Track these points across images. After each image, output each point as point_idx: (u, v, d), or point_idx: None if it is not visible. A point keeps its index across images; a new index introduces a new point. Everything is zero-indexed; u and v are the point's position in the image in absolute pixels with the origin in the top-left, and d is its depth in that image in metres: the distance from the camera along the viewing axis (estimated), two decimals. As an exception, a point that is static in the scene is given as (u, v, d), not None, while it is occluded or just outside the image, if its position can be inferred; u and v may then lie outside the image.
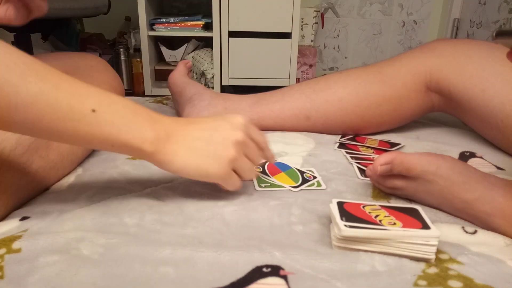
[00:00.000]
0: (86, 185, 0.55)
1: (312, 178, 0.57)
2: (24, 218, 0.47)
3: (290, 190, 0.54)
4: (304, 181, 0.56)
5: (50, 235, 0.42)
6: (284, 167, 0.60)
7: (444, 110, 0.72)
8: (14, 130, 0.41)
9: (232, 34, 1.93)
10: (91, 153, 0.65)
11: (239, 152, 0.47)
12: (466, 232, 0.45)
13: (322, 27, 2.44)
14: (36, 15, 0.56)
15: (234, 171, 0.48)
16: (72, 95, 0.40)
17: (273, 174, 0.57)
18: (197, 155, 0.45)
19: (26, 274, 0.37)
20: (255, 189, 0.54)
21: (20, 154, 0.49)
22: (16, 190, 0.49)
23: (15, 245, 0.41)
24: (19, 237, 0.42)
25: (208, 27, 2.01)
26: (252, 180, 0.56)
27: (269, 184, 0.55)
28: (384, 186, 0.53)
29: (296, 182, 0.56)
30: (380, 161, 0.50)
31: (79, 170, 0.60)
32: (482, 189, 0.46)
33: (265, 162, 0.61)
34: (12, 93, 0.37)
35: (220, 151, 0.45)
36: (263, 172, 0.58)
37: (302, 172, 0.59)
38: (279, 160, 0.64)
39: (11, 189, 0.48)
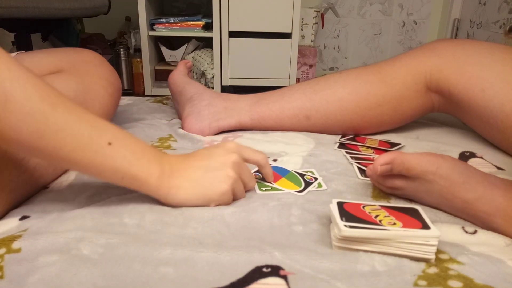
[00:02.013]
0: (86, 184, 0.55)
1: (313, 180, 0.57)
2: (24, 218, 0.47)
3: (296, 194, 0.53)
4: (307, 184, 0.56)
5: (50, 235, 0.42)
6: (283, 172, 0.59)
7: (444, 110, 0.72)
8: (35, 155, 0.44)
9: (232, 34, 1.93)
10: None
11: (237, 173, 0.49)
12: (466, 232, 0.45)
13: (322, 27, 2.44)
14: None
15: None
16: (92, 127, 0.43)
17: (275, 181, 0.56)
18: (198, 185, 0.48)
19: (26, 274, 0.37)
20: (256, 193, 0.54)
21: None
22: (14, 187, 0.49)
23: (15, 244, 0.41)
24: (19, 236, 0.42)
25: (208, 27, 2.01)
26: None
27: (270, 188, 0.55)
28: (384, 186, 0.53)
29: (300, 186, 0.55)
30: (380, 161, 0.50)
31: (79, 170, 0.59)
32: (482, 189, 0.46)
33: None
34: (42, 120, 0.40)
35: (219, 176, 0.48)
36: (263, 179, 0.57)
37: (302, 175, 0.58)
38: (279, 160, 0.64)
39: (9, 187, 0.48)
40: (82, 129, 0.42)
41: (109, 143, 0.44)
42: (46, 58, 0.66)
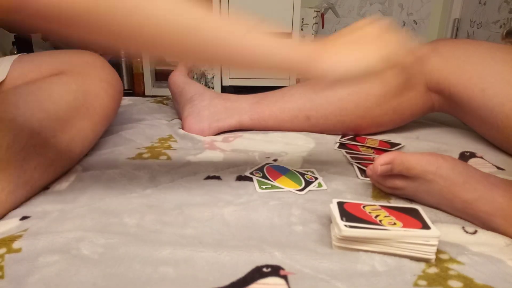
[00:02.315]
0: (87, 184, 0.55)
1: (313, 179, 0.57)
2: (24, 218, 0.47)
3: (296, 193, 0.54)
4: (307, 183, 0.56)
5: (50, 235, 0.42)
6: (283, 170, 0.59)
7: (444, 110, 0.72)
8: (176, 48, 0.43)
9: (232, 34, 1.93)
10: (91, 153, 0.65)
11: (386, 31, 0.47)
12: (466, 232, 0.45)
13: (323, 27, 2.44)
14: None
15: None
16: (232, 22, 0.45)
17: (275, 179, 0.57)
18: (358, 47, 0.46)
19: (26, 274, 0.37)
20: (256, 191, 0.54)
21: (17, 151, 0.49)
22: (14, 188, 0.49)
23: (15, 244, 0.41)
24: (19, 236, 0.42)
25: (208, 27, 2.01)
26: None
27: (270, 186, 0.55)
28: (384, 186, 0.53)
29: (300, 185, 0.55)
30: (381, 161, 0.50)
31: (79, 169, 0.59)
32: (482, 189, 0.46)
33: (264, 165, 0.61)
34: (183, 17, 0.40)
35: (371, 36, 0.46)
36: (264, 177, 0.57)
37: (302, 174, 0.59)
38: (279, 160, 0.64)
39: (9, 187, 0.48)
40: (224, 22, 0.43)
41: (247, 32, 0.44)
42: (46, 60, 0.66)
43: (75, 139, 0.58)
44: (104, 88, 0.65)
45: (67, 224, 0.45)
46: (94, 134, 0.63)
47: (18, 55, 0.67)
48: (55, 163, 0.55)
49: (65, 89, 0.59)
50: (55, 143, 0.55)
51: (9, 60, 0.65)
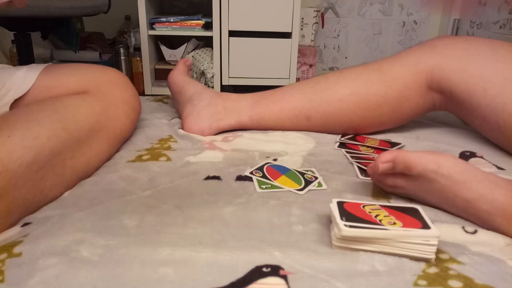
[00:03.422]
0: (87, 188, 0.55)
1: (313, 179, 0.57)
2: (25, 224, 0.47)
3: (296, 193, 0.54)
4: (307, 182, 0.56)
5: (50, 238, 0.42)
6: (283, 170, 0.59)
7: (445, 109, 0.71)
8: None
9: (232, 33, 1.92)
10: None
11: None
12: (467, 232, 0.45)
13: (322, 27, 2.44)
14: (16, 6, 0.55)
15: None
16: None
17: (275, 178, 0.57)
18: None
19: (26, 277, 0.37)
20: (256, 191, 0.54)
21: (36, 170, 0.48)
22: (28, 206, 0.48)
23: (16, 250, 0.41)
24: (20, 242, 0.42)
25: (208, 26, 2.01)
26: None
27: (270, 186, 0.55)
28: (385, 185, 0.52)
29: (300, 185, 0.55)
30: (382, 159, 0.49)
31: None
32: (483, 188, 0.46)
33: (264, 165, 0.61)
34: None
35: None
36: (264, 176, 0.57)
37: (302, 174, 0.58)
38: (279, 159, 0.64)
39: (23, 205, 0.47)
40: None
41: None
42: (73, 76, 0.66)
43: (92, 161, 0.58)
44: (126, 111, 0.66)
45: (67, 227, 0.45)
46: (109, 155, 0.63)
47: (46, 64, 0.66)
48: (70, 184, 0.55)
49: (89, 111, 0.59)
50: (72, 164, 0.54)
51: (36, 69, 0.64)
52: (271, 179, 0.56)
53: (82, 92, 0.63)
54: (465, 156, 0.65)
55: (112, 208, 0.49)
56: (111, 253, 0.40)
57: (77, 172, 0.55)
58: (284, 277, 0.37)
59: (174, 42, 2.19)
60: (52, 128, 0.52)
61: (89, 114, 0.59)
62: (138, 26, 1.96)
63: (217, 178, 0.57)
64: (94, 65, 0.70)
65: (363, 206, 0.44)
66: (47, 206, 0.51)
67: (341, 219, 0.41)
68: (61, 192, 0.53)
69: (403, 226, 0.41)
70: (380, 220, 0.41)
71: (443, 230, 0.45)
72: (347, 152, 0.67)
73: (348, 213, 0.42)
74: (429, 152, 0.49)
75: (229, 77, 2.00)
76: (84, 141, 0.57)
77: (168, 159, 0.63)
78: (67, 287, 0.36)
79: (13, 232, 0.45)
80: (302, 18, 2.26)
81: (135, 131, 0.74)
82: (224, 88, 2.03)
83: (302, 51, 2.18)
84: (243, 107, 0.75)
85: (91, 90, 0.64)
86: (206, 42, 2.17)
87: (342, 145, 0.70)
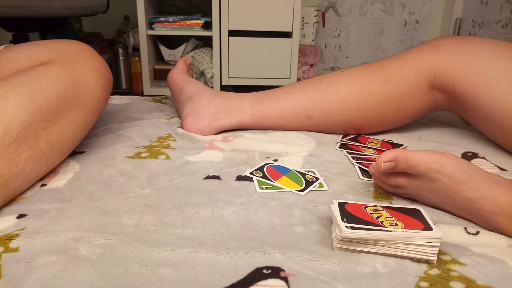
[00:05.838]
0: (84, 183, 0.54)
1: (314, 179, 0.57)
2: (21, 216, 0.46)
3: (297, 194, 0.53)
4: (308, 183, 0.56)
5: (47, 234, 0.42)
6: (284, 170, 0.59)
7: (447, 109, 0.71)
8: None
9: (232, 33, 1.92)
10: (88, 150, 0.64)
11: None
12: (468, 233, 0.45)
13: (323, 26, 2.43)
14: None
15: None
16: None
17: (275, 179, 0.56)
18: None
19: (24, 274, 0.37)
20: (256, 191, 0.54)
21: (8, 143, 0.48)
22: (6, 181, 0.48)
23: (13, 243, 0.41)
24: (17, 235, 0.42)
25: (207, 26, 2.00)
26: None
27: (270, 186, 0.55)
28: (387, 184, 0.52)
29: (301, 186, 0.55)
30: (384, 158, 0.49)
31: (77, 167, 0.59)
32: (486, 188, 0.46)
33: (265, 165, 0.61)
34: None
35: None
36: (264, 177, 0.57)
37: (303, 174, 0.58)
38: (280, 160, 0.63)
39: (0, 180, 0.47)
40: None
41: None
42: (35, 50, 0.65)
43: (66, 130, 0.57)
44: (95, 77, 0.64)
45: (65, 223, 0.45)
46: (85, 125, 0.62)
47: (4, 45, 0.66)
48: (47, 155, 0.54)
49: (55, 79, 0.58)
50: (46, 134, 0.54)
51: None
52: (272, 180, 0.56)
53: (47, 63, 0.62)
54: (467, 157, 0.64)
55: (111, 205, 0.49)
56: (109, 252, 0.40)
57: (51, 142, 0.55)
58: (285, 279, 0.37)
59: (173, 42, 2.19)
60: (17, 100, 0.51)
61: (55, 82, 0.57)
62: (137, 26, 1.95)
63: (217, 177, 0.57)
64: (58, 40, 0.69)
65: (365, 207, 0.44)
66: (41, 195, 0.51)
67: (343, 220, 0.41)
68: (37, 164, 0.53)
69: (404, 228, 0.40)
70: (381, 222, 0.41)
71: (445, 232, 0.45)
72: (348, 153, 0.66)
73: (349, 214, 0.42)
74: (432, 151, 0.49)
75: (229, 77, 2.00)
76: (55, 110, 0.56)
77: (167, 157, 0.63)
78: (65, 286, 0.36)
79: (9, 223, 0.45)
80: (303, 18, 2.26)
81: (132, 128, 0.74)
82: (224, 89, 2.02)
83: (302, 50, 2.18)
84: (243, 106, 0.75)
85: (56, 60, 0.63)
86: (206, 42, 2.16)
87: (343, 145, 0.70)
